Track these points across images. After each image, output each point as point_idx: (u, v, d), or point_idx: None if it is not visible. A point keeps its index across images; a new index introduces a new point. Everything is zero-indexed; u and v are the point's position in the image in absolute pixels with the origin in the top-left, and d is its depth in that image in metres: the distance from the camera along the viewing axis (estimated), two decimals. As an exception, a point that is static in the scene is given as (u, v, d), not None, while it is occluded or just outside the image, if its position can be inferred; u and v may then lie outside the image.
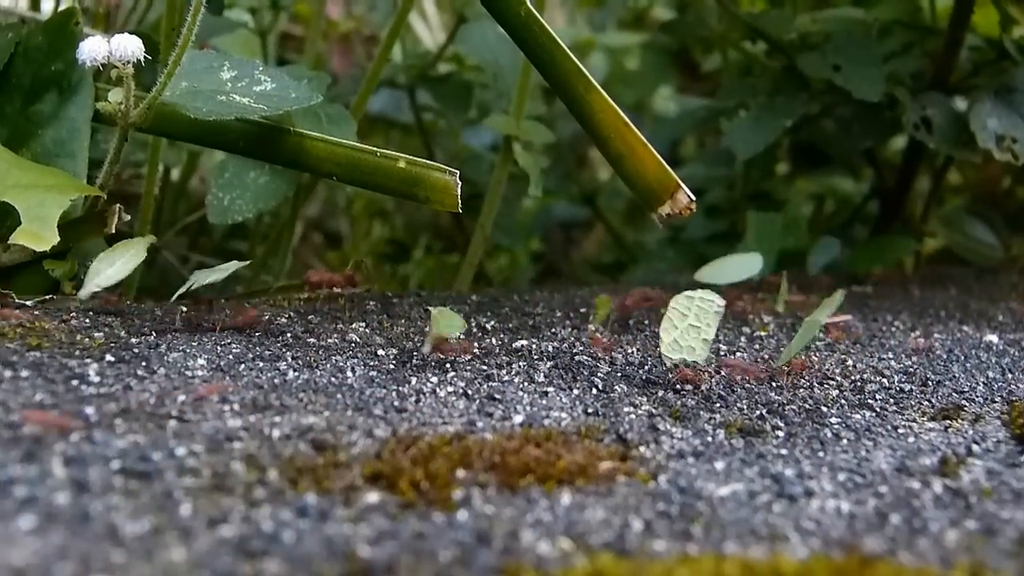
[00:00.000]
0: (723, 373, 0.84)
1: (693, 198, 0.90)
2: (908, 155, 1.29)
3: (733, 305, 1.06)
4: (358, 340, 0.86)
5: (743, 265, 0.95)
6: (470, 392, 0.77)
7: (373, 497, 0.61)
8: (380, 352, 0.83)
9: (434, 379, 0.79)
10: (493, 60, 1.27)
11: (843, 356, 0.92)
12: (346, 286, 0.96)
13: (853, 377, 0.87)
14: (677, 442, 0.72)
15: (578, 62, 0.91)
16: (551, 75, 0.92)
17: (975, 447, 0.74)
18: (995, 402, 0.83)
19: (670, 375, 0.83)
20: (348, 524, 0.58)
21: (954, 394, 0.85)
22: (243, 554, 0.54)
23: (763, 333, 0.97)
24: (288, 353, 0.81)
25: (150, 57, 0.85)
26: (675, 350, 0.84)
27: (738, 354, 0.90)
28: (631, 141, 0.90)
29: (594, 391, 0.80)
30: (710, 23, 1.35)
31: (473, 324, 0.92)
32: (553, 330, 0.92)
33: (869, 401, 0.82)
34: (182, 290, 0.87)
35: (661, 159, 0.90)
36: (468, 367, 0.82)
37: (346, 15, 1.57)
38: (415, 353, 0.84)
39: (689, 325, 0.84)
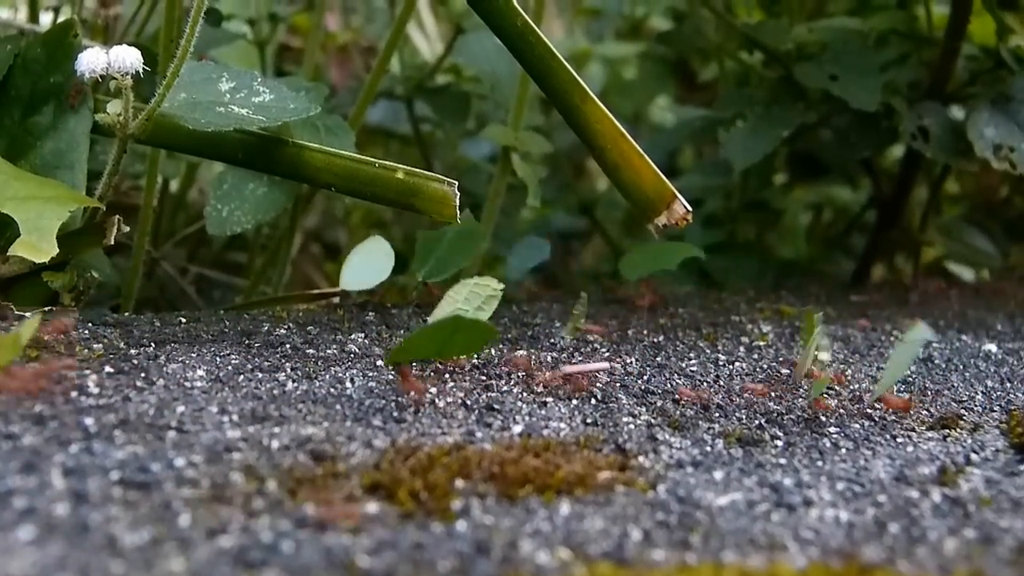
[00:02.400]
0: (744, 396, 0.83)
1: (689, 208, 0.90)
2: (906, 164, 1.29)
3: (731, 314, 1.06)
4: (357, 351, 0.86)
5: (377, 266, 0.93)
6: (469, 402, 0.77)
7: (372, 507, 0.61)
8: (379, 363, 0.83)
9: (433, 389, 0.79)
10: (491, 71, 1.27)
11: (842, 365, 0.92)
12: None
13: (852, 386, 0.87)
14: (676, 452, 0.72)
15: (574, 73, 0.91)
16: (547, 86, 0.92)
17: (974, 456, 0.75)
18: (994, 411, 0.84)
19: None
20: (347, 535, 0.58)
21: (953, 403, 0.85)
22: (242, 565, 0.54)
23: (762, 343, 0.97)
24: (287, 364, 0.81)
25: (149, 69, 0.85)
26: None
27: (736, 364, 0.90)
28: (627, 151, 0.91)
29: (593, 401, 0.80)
30: (707, 34, 1.35)
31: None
32: (552, 340, 0.93)
33: (868, 410, 0.82)
34: None
35: (657, 169, 0.91)
36: (467, 377, 0.82)
37: (344, 27, 1.57)
38: (413, 364, 0.84)
39: (458, 309, 0.84)
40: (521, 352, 0.87)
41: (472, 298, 0.85)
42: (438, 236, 1.03)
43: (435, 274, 1.00)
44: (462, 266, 1.01)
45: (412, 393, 0.77)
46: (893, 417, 0.81)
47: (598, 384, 0.83)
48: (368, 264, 0.90)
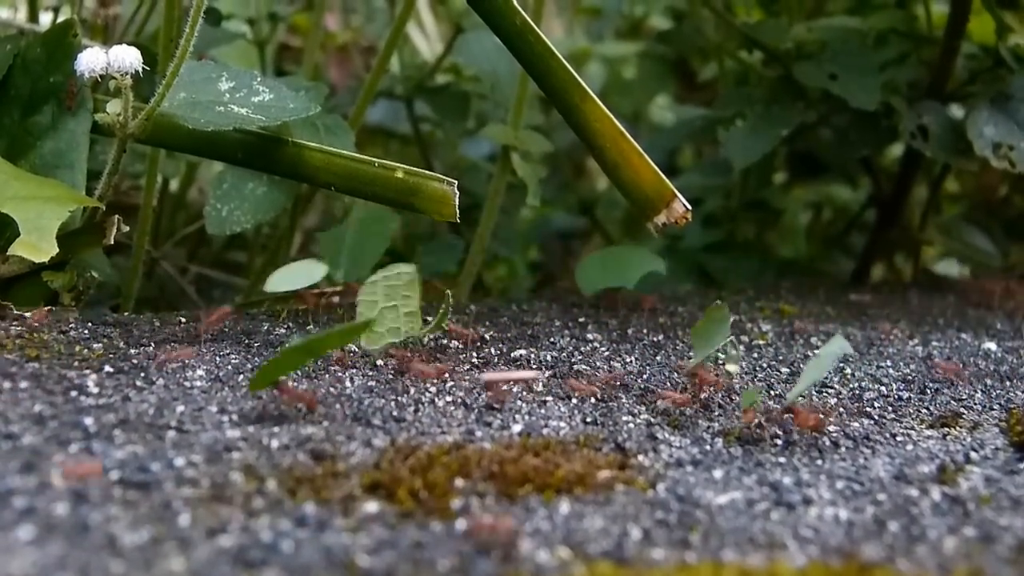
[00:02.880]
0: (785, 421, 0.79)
1: (689, 207, 0.90)
2: (905, 163, 1.29)
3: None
4: (356, 350, 0.86)
5: (307, 272, 0.91)
6: (468, 401, 0.77)
7: (372, 507, 0.61)
8: (379, 362, 0.83)
9: (432, 388, 0.79)
10: (491, 70, 1.27)
11: (841, 364, 0.92)
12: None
13: (851, 385, 0.87)
14: (675, 451, 0.72)
15: (573, 72, 0.91)
16: (546, 85, 0.92)
17: (973, 454, 0.75)
18: (993, 409, 0.84)
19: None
20: (347, 534, 0.58)
21: (952, 402, 0.85)
22: (242, 564, 0.54)
23: (762, 342, 0.97)
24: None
25: (148, 68, 0.85)
26: (376, 340, 0.82)
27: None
28: (627, 150, 0.91)
29: (592, 400, 0.80)
30: (707, 33, 1.35)
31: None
32: (552, 339, 0.93)
33: (867, 409, 0.82)
34: None
35: (657, 168, 0.91)
36: (467, 376, 0.82)
37: (344, 26, 1.57)
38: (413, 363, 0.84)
39: (383, 308, 0.82)
40: (433, 365, 0.82)
41: (391, 292, 0.81)
42: (338, 232, 0.99)
43: (354, 273, 0.97)
44: (380, 254, 0.97)
45: (301, 404, 0.73)
46: (893, 415, 0.81)
47: (597, 384, 0.83)
48: (298, 270, 0.88)
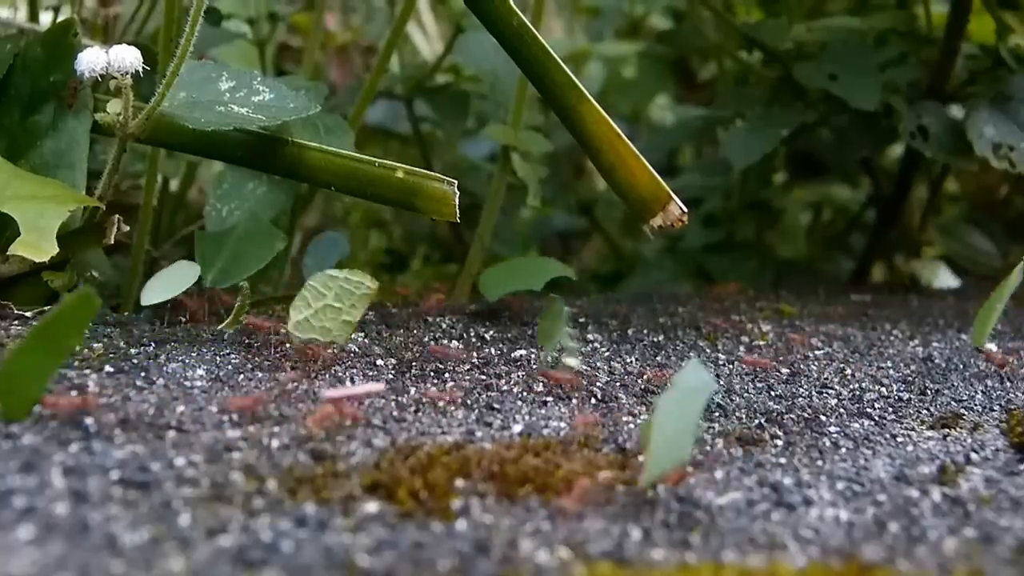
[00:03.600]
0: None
1: (685, 210, 0.90)
2: (905, 164, 1.29)
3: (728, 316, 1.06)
4: (357, 350, 0.86)
5: (180, 276, 0.89)
6: (469, 402, 0.77)
7: (372, 507, 0.61)
8: (379, 362, 0.83)
9: (433, 389, 0.79)
10: (491, 70, 1.27)
11: (841, 365, 0.92)
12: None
13: (852, 386, 0.87)
14: (676, 451, 0.72)
15: (570, 73, 0.91)
16: (543, 86, 0.92)
17: (974, 455, 0.75)
18: (993, 411, 0.84)
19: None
20: (347, 534, 0.58)
21: (953, 403, 0.85)
22: (242, 564, 0.54)
23: (762, 342, 0.97)
24: (287, 363, 0.81)
25: (148, 68, 0.85)
26: (305, 329, 0.80)
27: (736, 364, 0.90)
28: (623, 152, 0.91)
29: (593, 400, 0.80)
30: (706, 33, 1.35)
31: (472, 334, 0.93)
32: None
33: (868, 410, 0.82)
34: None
35: (653, 170, 0.91)
36: (467, 377, 0.82)
37: (344, 26, 1.57)
38: (413, 363, 0.84)
39: (326, 305, 0.80)
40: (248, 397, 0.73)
41: (344, 295, 0.80)
42: (222, 236, 0.96)
43: (222, 280, 0.93)
44: (253, 270, 0.93)
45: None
46: (893, 416, 0.81)
47: (598, 384, 0.83)
48: (172, 275, 0.86)
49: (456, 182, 0.90)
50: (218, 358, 0.81)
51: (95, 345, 0.82)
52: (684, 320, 1.02)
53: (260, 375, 0.79)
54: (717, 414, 0.79)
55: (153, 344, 0.83)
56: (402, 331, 0.92)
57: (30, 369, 0.66)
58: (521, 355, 0.88)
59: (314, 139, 0.95)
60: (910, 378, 0.89)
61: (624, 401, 0.80)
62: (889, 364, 0.93)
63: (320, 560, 0.55)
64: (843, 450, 0.74)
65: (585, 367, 0.86)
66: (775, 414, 0.80)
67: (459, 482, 0.65)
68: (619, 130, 0.91)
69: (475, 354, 0.87)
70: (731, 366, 0.89)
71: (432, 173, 0.91)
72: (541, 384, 0.81)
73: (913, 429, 0.79)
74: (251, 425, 0.70)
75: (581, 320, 1.00)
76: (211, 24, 1.10)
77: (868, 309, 1.12)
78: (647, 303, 1.10)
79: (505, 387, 0.81)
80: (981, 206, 1.43)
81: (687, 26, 1.40)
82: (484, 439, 0.71)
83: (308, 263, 1.01)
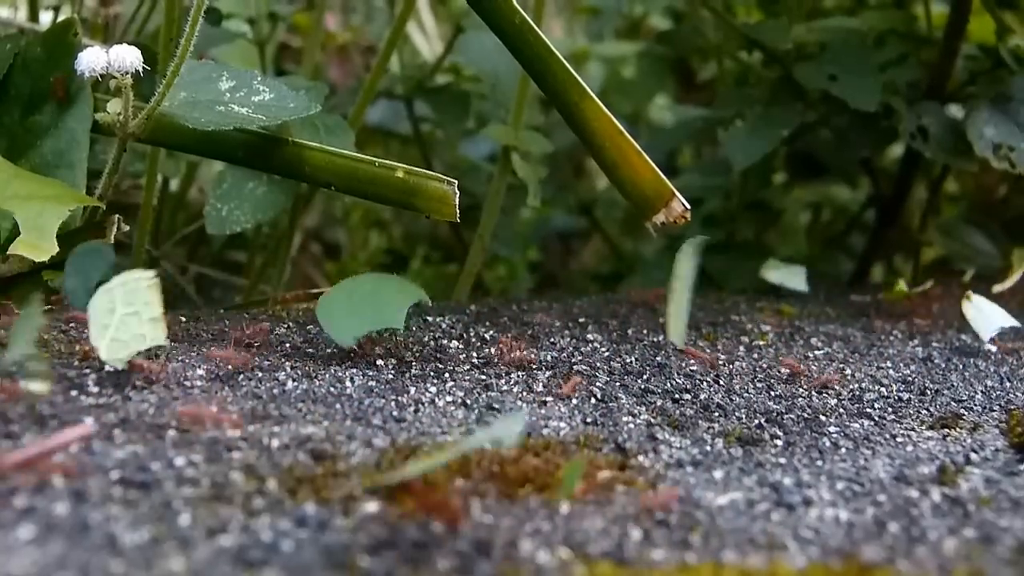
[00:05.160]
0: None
1: (688, 206, 0.90)
2: (905, 164, 1.29)
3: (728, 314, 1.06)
4: (357, 350, 0.86)
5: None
6: (469, 402, 0.77)
7: (372, 507, 0.61)
8: (379, 362, 0.83)
9: (433, 389, 0.79)
10: (491, 70, 1.27)
11: (841, 365, 0.92)
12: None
13: (851, 386, 0.87)
14: (676, 451, 0.72)
15: (573, 71, 0.91)
16: (546, 84, 0.92)
17: (973, 456, 0.75)
18: (993, 411, 0.84)
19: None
20: (347, 534, 0.58)
21: (952, 403, 0.85)
22: (242, 564, 0.54)
23: (762, 343, 0.97)
24: (287, 363, 0.81)
25: (149, 68, 0.85)
26: (119, 349, 0.73)
27: (736, 364, 0.90)
28: (626, 150, 0.91)
29: (593, 400, 0.80)
30: (706, 33, 1.35)
31: (472, 334, 0.93)
32: (552, 340, 0.93)
33: (867, 410, 0.82)
34: None
35: (656, 168, 0.91)
36: (467, 377, 0.82)
37: (344, 26, 1.57)
38: (413, 363, 0.84)
39: (123, 315, 0.73)
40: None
41: (130, 298, 0.73)
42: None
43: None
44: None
45: None
46: (893, 416, 0.81)
47: (597, 384, 0.83)
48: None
49: (456, 182, 0.90)
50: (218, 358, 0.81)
51: (95, 345, 0.82)
52: (684, 320, 1.02)
53: (260, 375, 0.79)
54: (717, 414, 0.79)
55: (153, 344, 0.83)
56: (401, 331, 0.92)
57: None
58: (521, 355, 0.88)
59: (314, 139, 0.95)
60: (910, 378, 0.90)
61: (624, 401, 0.80)
62: (889, 364, 0.93)
63: (320, 560, 0.55)
64: (843, 450, 0.74)
65: (585, 367, 0.86)
66: (775, 414, 0.80)
67: (459, 482, 0.65)
68: (621, 127, 0.91)
69: (475, 354, 0.87)
70: (731, 365, 0.89)
71: (432, 173, 0.91)
72: (541, 384, 0.81)
73: (913, 429, 0.79)
74: (251, 425, 0.70)
75: (581, 320, 1.00)
76: (211, 24, 1.10)
77: (868, 309, 1.12)
78: (647, 303, 1.10)
79: (505, 387, 0.81)
80: (981, 206, 1.43)
81: (687, 26, 1.40)
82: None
83: (70, 286, 0.84)
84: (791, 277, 1.14)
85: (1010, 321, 0.98)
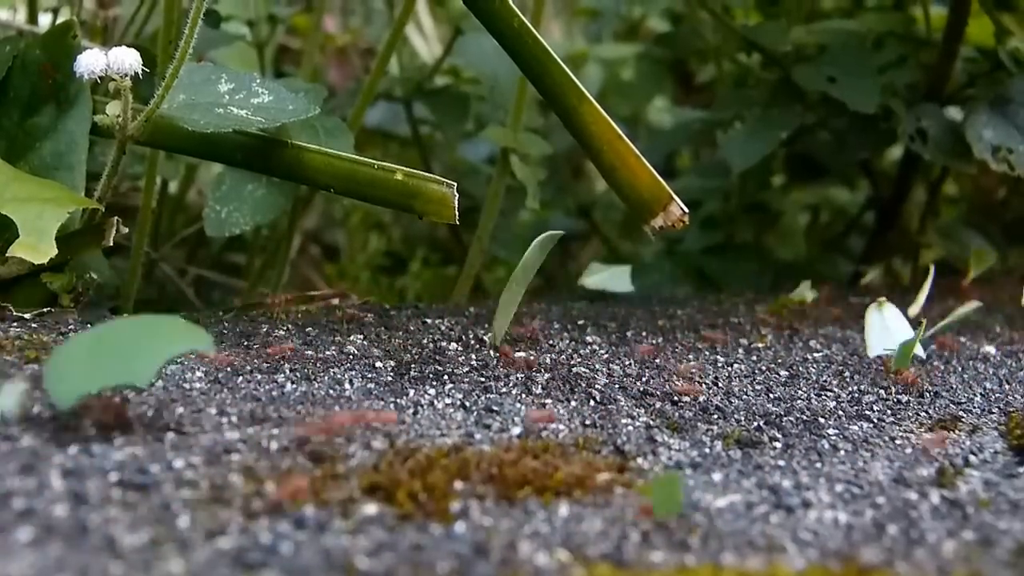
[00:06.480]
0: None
1: (686, 210, 0.90)
2: (904, 166, 1.29)
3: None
4: (356, 352, 0.86)
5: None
6: (468, 404, 0.77)
7: (371, 509, 0.61)
8: (378, 364, 0.83)
9: (432, 391, 0.79)
10: (490, 72, 1.27)
11: (840, 368, 0.92)
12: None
13: (850, 388, 0.87)
14: (675, 453, 0.72)
15: (571, 74, 0.91)
16: (544, 87, 0.92)
17: (972, 458, 0.75)
18: (992, 413, 0.84)
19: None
20: (346, 536, 0.58)
21: (951, 405, 0.85)
22: (241, 566, 0.54)
23: (761, 345, 0.97)
24: (286, 365, 0.81)
25: (148, 70, 0.85)
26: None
27: (735, 366, 0.90)
28: (624, 153, 0.91)
29: (592, 403, 0.80)
30: (705, 35, 1.35)
31: (471, 336, 0.93)
32: (551, 341, 0.93)
33: (866, 412, 0.82)
34: None
35: (654, 171, 0.91)
36: (466, 379, 0.82)
37: (343, 28, 1.57)
38: (412, 365, 0.84)
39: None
40: None
41: None
42: None
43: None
44: None
45: None
46: (892, 419, 0.81)
47: (596, 386, 0.83)
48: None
49: (455, 184, 0.90)
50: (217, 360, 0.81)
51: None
52: (683, 323, 1.02)
53: (259, 377, 0.79)
54: (716, 416, 0.79)
55: (152, 346, 0.83)
56: (401, 333, 0.92)
57: None
58: (520, 356, 0.88)
59: (313, 141, 0.95)
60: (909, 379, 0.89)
61: (623, 403, 0.80)
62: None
63: (319, 562, 0.55)
64: (842, 452, 0.74)
65: (584, 369, 0.86)
66: (774, 416, 0.80)
67: (458, 484, 0.65)
68: (619, 130, 0.91)
69: (474, 356, 0.87)
70: (730, 368, 0.89)
71: (431, 175, 0.91)
72: (540, 386, 0.82)
73: (912, 431, 0.79)
74: (250, 427, 0.70)
75: (580, 322, 1.00)
76: (210, 26, 1.10)
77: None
78: (646, 305, 1.10)
79: (504, 389, 0.81)
80: (980, 208, 1.43)
81: (686, 28, 1.40)
82: (483, 441, 0.71)
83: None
84: (614, 280, 1.11)
85: (910, 336, 0.89)
